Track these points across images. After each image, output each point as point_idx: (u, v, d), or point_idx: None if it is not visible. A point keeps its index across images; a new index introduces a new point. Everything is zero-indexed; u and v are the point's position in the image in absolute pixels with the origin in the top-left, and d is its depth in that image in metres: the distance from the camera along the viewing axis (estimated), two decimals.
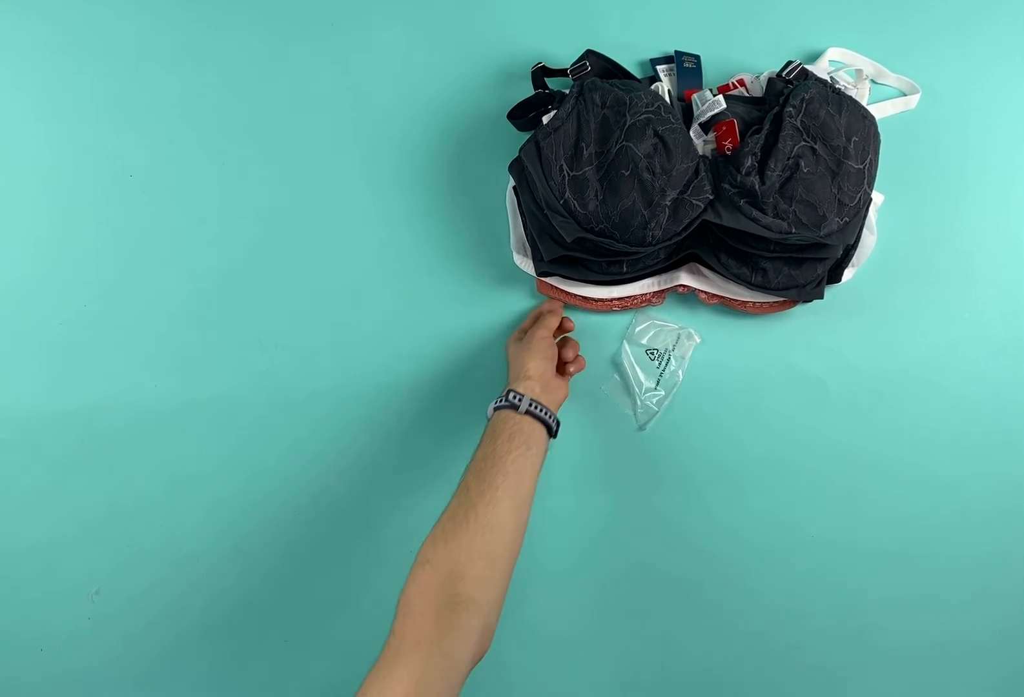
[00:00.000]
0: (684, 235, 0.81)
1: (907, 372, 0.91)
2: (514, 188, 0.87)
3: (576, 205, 0.79)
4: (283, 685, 0.89)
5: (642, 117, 0.79)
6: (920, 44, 0.93)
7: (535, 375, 0.78)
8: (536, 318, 0.87)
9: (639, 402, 0.90)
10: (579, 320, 0.91)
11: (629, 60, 0.91)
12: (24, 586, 0.88)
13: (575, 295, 0.88)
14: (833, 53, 0.91)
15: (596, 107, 0.80)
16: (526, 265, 0.87)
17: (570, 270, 0.85)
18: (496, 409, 0.75)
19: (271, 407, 0.90)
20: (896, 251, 0.90)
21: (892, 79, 0.92)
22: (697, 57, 0.91)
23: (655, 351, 0.90)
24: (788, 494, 0.91)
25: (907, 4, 0.93)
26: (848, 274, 0.87)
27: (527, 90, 0.88)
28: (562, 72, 0.88)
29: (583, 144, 0.79)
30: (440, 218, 0.91)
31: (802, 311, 0.90)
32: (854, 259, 0.87)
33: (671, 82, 0.91)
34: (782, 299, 0.87)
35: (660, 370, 0.91)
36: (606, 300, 0.88)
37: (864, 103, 0.87)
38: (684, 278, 0.88)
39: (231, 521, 0.90)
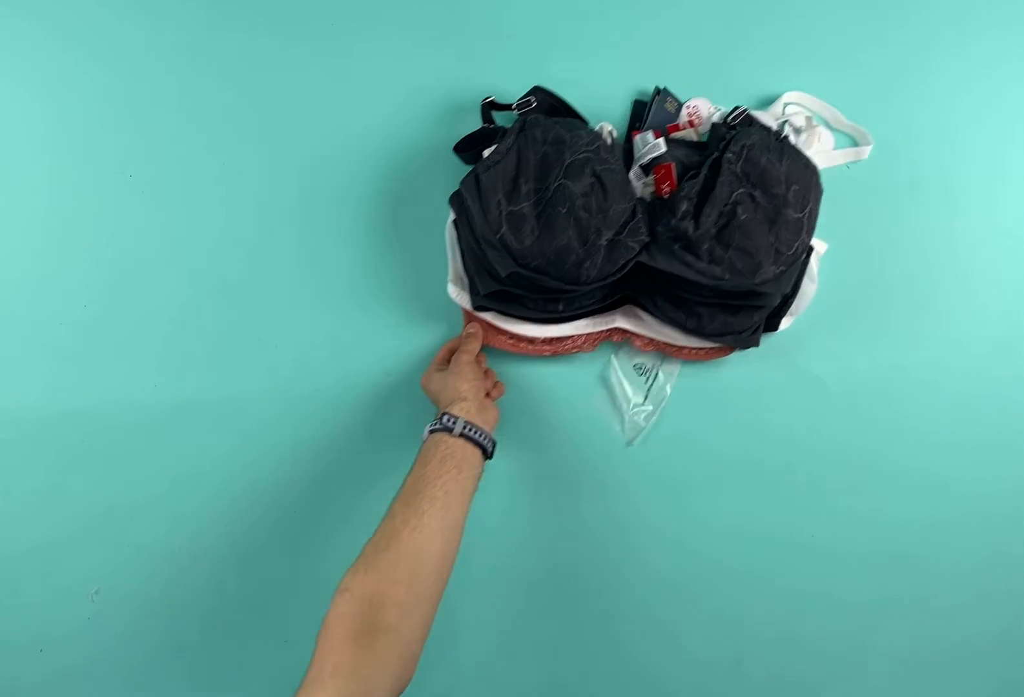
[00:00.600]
0: (620, 276, 0.80)
1: (907, 372, 0.91)
2: (455, 221, 0.87)
3: (512, 240, 0.78)
4: (283, 685, 0.88)
5: (581, 156, 0.79)
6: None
7: (470, 396, 0.77)
8: (450, 351, 0.87)
9: (627, 418, 0.90)
10: None
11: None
12: (24, 586, 0.88)
13: (506, 335, 0.87)
14: (790, 96, 0.91)
15: (537, 143, 0.80)
16: (462, 298, 0.87)
17: (506, 305, 0.84)
18: (431, 431, 0.74)
19: (271, 406, 0.90)
20: (896, 254, 0.92)
21: (847, 126, 0.92)
22: (680, 104, 0.91)
23: (643, 365, 0.90)
24: (788, 494, 0.91)
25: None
26: (786, 322, 0.86)
27: (478, 123, 0.88)
28: (509, 107, 0.88)
29: (522, 179, 0.79)
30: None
31: (802, 312, 0.90)
32: (793, 307, 0.86)
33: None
34: (718, 345, 0.86)
35: (648, 385, 0.90)
36: (538, 340, 0.87)
37: (813, 149, 0.86)
38: (620, 320, 0.87)
39: (231, 521, 0.90)
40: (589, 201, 0.78)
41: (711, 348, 0.87)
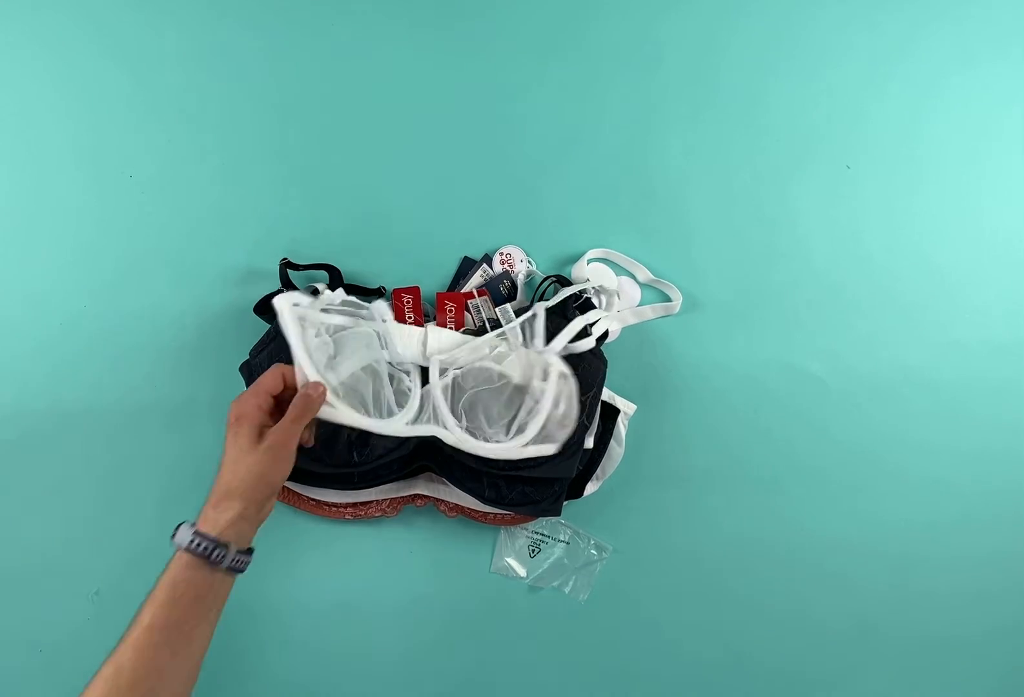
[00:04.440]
0: (409, 450, 0.79)
1: (907, 371, 0.91)
2: None
3: None
4: (283, 685, 0.88)
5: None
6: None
7: (253, 512, 0.62)
8: (277, 385, 0.68)
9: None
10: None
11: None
12: (24, 586, 0.86)
13: (308, 498, 0.86)
14: (595, 253, 0.89)
15: None
16: None
17: (301, 475, 0.82)
18: (187, 551, 0.59)
19: None
20: (896, 254, 0.93)
21: (656, 283, 0.89)
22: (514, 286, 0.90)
23: (535, 543, 0.89)
24: (788, 494, 0.90)
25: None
26: (591, 487, 0.84)
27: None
28: (307, 267, 0.86)
29: None
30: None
31: (803, 312, 0.91)
32: (599, 472, 0.84)
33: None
34: None
35: (545, 548, 0.89)
36: (340, 506, 0.86)
37: (616, 308, 0.84)
38: (422, 486, 0.86)
39: None
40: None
41: (516, 515, 0.85)
